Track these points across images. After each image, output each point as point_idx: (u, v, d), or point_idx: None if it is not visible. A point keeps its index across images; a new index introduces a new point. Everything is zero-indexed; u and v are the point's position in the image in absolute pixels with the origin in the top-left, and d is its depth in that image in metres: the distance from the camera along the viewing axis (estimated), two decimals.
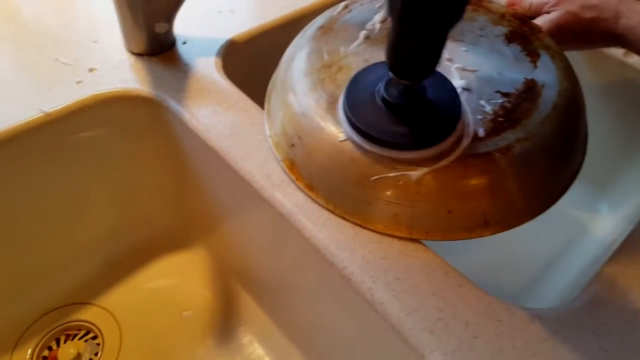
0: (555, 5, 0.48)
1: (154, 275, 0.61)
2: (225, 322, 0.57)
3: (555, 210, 0.40)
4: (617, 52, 0.58)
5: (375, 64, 0.40)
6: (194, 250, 0.62)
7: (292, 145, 0.40)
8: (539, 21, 0.48)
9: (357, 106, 0.37)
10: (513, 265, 0.58)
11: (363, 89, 0.38)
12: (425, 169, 0.35)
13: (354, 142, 0.37)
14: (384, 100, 0.37)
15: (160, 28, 0.52)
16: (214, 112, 0.47)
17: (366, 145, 0.36)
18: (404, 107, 0.36)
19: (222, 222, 0.55)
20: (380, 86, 0.37)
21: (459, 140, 0.36)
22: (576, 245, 0.60)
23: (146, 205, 0.60)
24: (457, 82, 0.39)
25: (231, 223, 0.53)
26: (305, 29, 0.46)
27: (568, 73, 0.41)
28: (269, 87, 0.47)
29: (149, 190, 0.59)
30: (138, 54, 0.54)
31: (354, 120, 0.36)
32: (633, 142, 0.61)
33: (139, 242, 0.62)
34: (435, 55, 0.32)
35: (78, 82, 0.50)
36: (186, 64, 0.53)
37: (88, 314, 0.58)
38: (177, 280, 0.60)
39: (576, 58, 0.60)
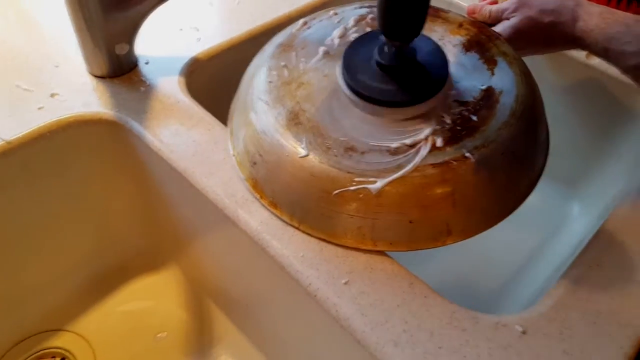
0: (514, 11, 0.48)
1: (127, 298, 0.60)
2: (200, 342, 0.56)
3: (526, 212, 0.40)
4: (580, 54, 0.58)
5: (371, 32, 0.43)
6: (167, 270, 0.61)
7: (254, 163, 0.40)
8: (498, 28, 0.48)
9: (354, 70, 0.40)
10: (485, 269, 0.58)
11: (358, 54, 0.41)
12: (385, 181, 0.35)
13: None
14: (377, 63, 0.39)
15: (120, 49, 0.52)
16: (176, 132, 0.47)
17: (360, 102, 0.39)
18: (396, 68, 0.39)
19: (192, 242, 0.54)
20: (375, 51, 0.40)
21: (417, 151, 0.36)
22: (548, 246, 0.60)
23: (116, 228, 0.59)
24: None
25: (201, 242, 0.53)
26: (265, 47, 0.46)
27: (526, 78, 0.42)
28: (232, 105, 0.46)
29: (118, 212, 0.58)
30: (100, 77, 0.53)
31: (350, 82, 0.39)
32: (600, 142, 0.62)
33: (111, 265, 0.61)
34: (421, 16, 0.36)
35: (39, 108, 0.50)
36: (149, 84, 0.52)
37: (62, 341, 0.57)
38: (151, 302, 0.60)
39: (540, 61, 0.61)
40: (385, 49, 0.39)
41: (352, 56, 0.41)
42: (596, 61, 0.58)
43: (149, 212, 0.57)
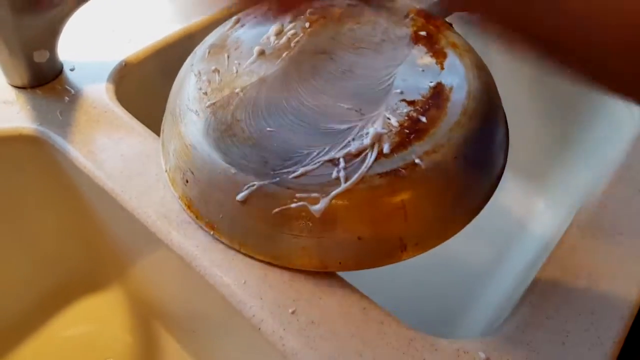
0: None
1: (69, 322, 0.56)
2: None
3: (488, 212, 0.37)
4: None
5: None
6: (110, 292, 0.57)
7: (187, 181, 0.36)
8: None
9: None
10: (447, 279, 0.55)
11: None
12: (327, 199, 0.31)
13: None
14: None
15: (39, 57, 0.47)
16: (103, 146, 0.43)
17: None
18: None
19: (133, 262, 0.50)
20: None
21: (362, 160, 0.33)
22: (515, 246, 0.58)
23: (51, 249, 0.54)
24: (360, 95, 0.36)
25: (142, 263, 0.48)
26: (195, 48, 0.42)
27: (479, 71, 0.38)
28: (164, 115, 0.42)
29: (52, 232, 0.53)
30: (21, 87, 0.48)
31: None
32: (562, 133, 0.60)
33: (49, 287, 0.56)
34: None
35: None
36: (74, 94, 0.48)
37: None
38: (95, 326, 0.56)
39: (496, 52, 0.58)
40: None
41: None
42: None
43: (83, 231, 0.53)
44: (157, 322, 0.54)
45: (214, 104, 0.37)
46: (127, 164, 0.41)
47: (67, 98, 0.47)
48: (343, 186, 0.32)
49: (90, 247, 0.55)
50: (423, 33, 0.41)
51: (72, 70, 0.50)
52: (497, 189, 0.38)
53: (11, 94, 0.48)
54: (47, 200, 0.51)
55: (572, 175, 0.58)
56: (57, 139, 0.44)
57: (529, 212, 0.62)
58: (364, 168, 0.32)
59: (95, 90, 0.48)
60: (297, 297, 0.33)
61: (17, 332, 0.55)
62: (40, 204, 0.51)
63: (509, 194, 0.62)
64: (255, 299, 0.33)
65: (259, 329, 0.32)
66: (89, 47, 0.53)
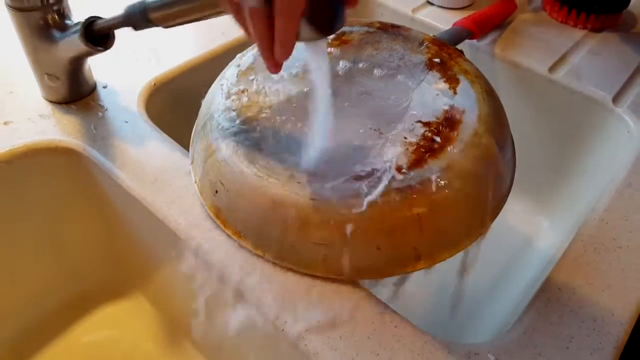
0: None
1: (92, 328, 0.58)
2: None
3: (495, 230, 0.40)
4: (543, 68, 0.59)
5: None
6: (132, 299, 0.59)
7: (216, 191, 0.39)
8: None
9: None
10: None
11: None
12: (350, 210, 0.34)
13: None
14: None
15: (50, 81, 0.49)
16: (135, 158, 0.45)
17: None
18: None
19: (157, 270, 0.53)
20: None
21: (382, 176, 0.35)
22: (520, 262, 0.60)
23: (77, 256, 0.57)
24: (378, 116, 0.39)
25: (166, 271, 0.51)
26: (224, 70, 0.45)
27: (488, 96, 0.41)
28: (194, 130, 0.45)
29: (79, 240, 0.56)
30: (56, 102, 0.51)
31: None
32: (566, 156, 0.62)
33: (73, 293, 0.59)
34: None
35: None
36: (107, 109, 0.51)
37: None
38: (116, 332, 0.58)
39: (503, 78, 0.61)
40: None
41: None
42: (558, 75, 0.58)
43: (111, 239, 0.55)
44: (177, 329, 0.56)
45: (243, 121, 0.39)
46: (157, 175, 0.44)
47: (100, 113, 0.50)
48: (365, 200, 0.34)
49: (115, 256, 0.57)
50: (437, 60, 0.44)
51: (104, 87, 0.53)
52: (505, 206, 0.41)
53: (47, 108, 0.51)
54: (78, 210, 0.53)
55: (575, 195, 0.60)
56: (91, 151, 0.47)
57: (534, 229, 0.64)
58: (384, 183, 0.35)
59: (127, 106, 0.51)
60: (318, 301, 0.35)
61: (41, 336, 0.57)
62: (71, 213, 0.53)
63: (516, 212, 0.65)
64: (278, 301, 0.35)
65: (282, 330, 0.34)
66: (121, 67, 0.56)
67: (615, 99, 0.55)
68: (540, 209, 0.66)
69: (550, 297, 0.35)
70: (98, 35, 0.45)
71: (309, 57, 0.36)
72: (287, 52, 0.32)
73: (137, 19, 0.41)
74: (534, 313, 0.34)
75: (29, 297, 0.56)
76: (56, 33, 0.46)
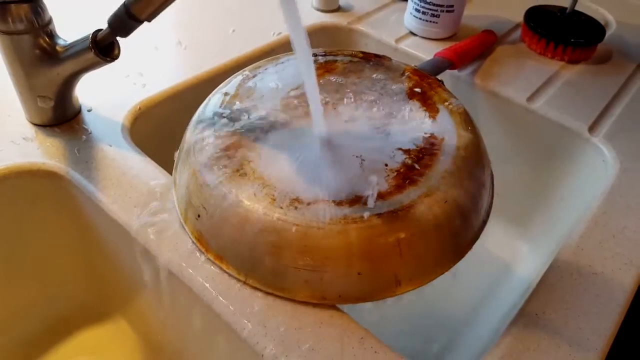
0: None
1: (72, 352, 0.57)
2: None
3: (475, 255, 0.40)
4: (522, 98, 0.60)
5: None
6: (113, 323, 0.58)
7: (198, 216, 0.39)
8: None
9: None
10: (437, 315, 0.58)
11: None
12: (331, 235, 0.35)
13: None
14: None
15: (42, 103, 0.50)
16: (118, 182, 0.46)
17: None
18: None
19: (139, 294, 0.52)
20: None
21: (364, 202, 0.36)
22: (500, 286, 0.61)
23: (57, 280, 0.56)
24: (360, 143, 0.40)
25: (148, 295, 0.51)
26: (210, 95, 0.46)
27: (467, 125, 0.42)
28: (176, 154, 0.45)
29: (59, 263, 0.55)
30: (41, 125, 0.51)
31: None
32: (543, 182, 0.64)
33: (54, 317, 0.58)
34: None
35: None
36: (91, 133, 0.51)
37: None
38: (97, 357, 0.57)
39: (482, 106, 0.62)
40: None
41: None
42: (536, 105, 0.59)
43: (92, 263, 0.55)
44: (159, 354, 0.55)
45: (227, 146, 0.40)
46: (140, 199, 0.44)
47: (84, 137, 0.51)
48: (347, 226, 0.35)
49: (96, 280, 0.57)
50: (418, 89, 0.45)
51: (89, 111, 0.54)
52: (484, 232, 0.42)
53: (30, 130, 0.51)
54: (60, 232, 0.53)
55: (553, 221, 0.62)
56: (74, 175, 0.47)
57: (513, 253, 0.65)
58: (366, 209, 0.36)
59: (111, 130, 0.51)
60: (299, 326, 0.36)
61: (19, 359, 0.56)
62: (53, 235, 0.53)
63: (495, 238, 0.66)
64: (260, 326, 0.36)
65: (262, 355, 0.35)
66: (107, 91, 0.56)
67: (591, 128, 0.57)
68: (520, 234, 0.67)
69: (527, 322, 0.36)
70: (102, 47, 0.46)
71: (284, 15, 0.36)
72: None
73: (122, 17, 0.42)
74: (511, 339, 0.35)
75: (8, 320, 0.55)
76: (53, 52, 0.47)
